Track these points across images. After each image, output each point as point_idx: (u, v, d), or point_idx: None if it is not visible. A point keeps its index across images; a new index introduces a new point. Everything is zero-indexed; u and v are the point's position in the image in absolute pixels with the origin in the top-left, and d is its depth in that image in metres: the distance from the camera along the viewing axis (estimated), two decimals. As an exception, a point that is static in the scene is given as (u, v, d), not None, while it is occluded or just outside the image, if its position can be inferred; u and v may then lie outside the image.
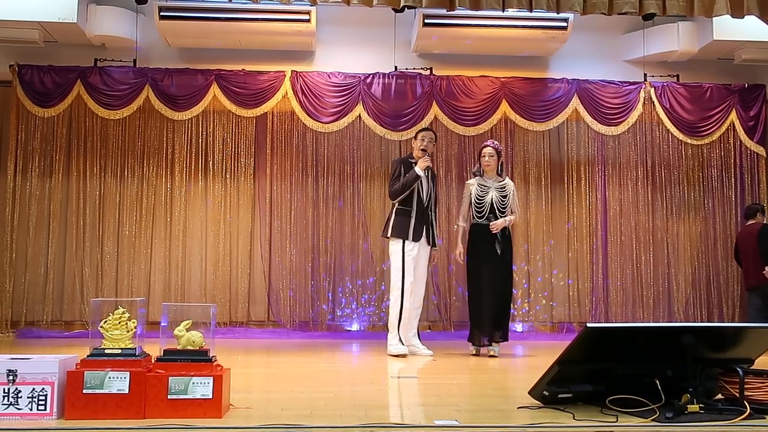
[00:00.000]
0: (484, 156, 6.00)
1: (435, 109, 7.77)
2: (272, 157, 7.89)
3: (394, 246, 5.93)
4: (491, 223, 5.86)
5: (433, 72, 7.91)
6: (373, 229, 7.75)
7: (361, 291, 7.82)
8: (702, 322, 7.76)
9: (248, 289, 7.80)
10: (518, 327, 7.83)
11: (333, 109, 7.69)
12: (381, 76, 7.80)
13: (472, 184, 6.01)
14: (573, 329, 7.74)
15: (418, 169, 5.86)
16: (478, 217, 5.91)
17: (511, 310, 6.14)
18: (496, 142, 6.21)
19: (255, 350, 6.45)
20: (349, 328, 7.77)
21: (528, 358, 6.14)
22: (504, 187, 5.99)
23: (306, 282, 7.79)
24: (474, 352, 5.86)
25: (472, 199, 5.94)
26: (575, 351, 3.10)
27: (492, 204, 5.88)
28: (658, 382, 3.09)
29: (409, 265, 5.85)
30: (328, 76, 7.78)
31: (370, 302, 7.79)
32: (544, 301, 8.01)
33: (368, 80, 7.77)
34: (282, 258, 7.80)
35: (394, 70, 7.86)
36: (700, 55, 7.87)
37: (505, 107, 7.83)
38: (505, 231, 5.94)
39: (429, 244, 6.00)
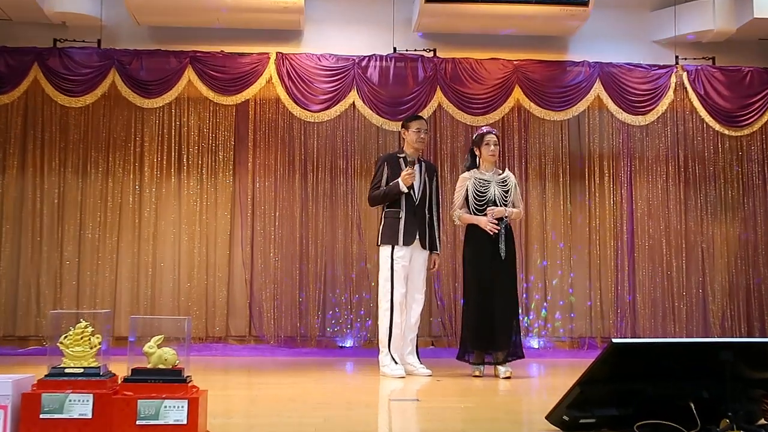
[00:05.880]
0: (488, 144, 5.90)
1: (439, 96, 7.77)
2: (255, 150, 7.88)
3: (383, 253, 5.92)
4: (489, 208, 5.77)
5: (437, 54, 7.90)
6: (369, 231, 7.74)
7: (356, 302, 7.81)
8: (742, 337, 7.77)
9: (227, 300, 7.79)
10: (533, 343, 7.82)
11: (323, 96, 7.68)
12: (378, 58, 7.80)
13: (468, 178, 5.93)
14: (595, 345, 7.75)
15: (403, 185, 5.83)
16: (478, 215, 5.86)
17: (520, 323, 6.07)
18: (494, 129, 6.20)
19: (235, 369, 6.43)
20: (342, 345, 7.76)
21: (545, 378, 6.13)
22: (506, 181, 5.95)
23: (293, 292, 7.78)
24: (477, 373, 5.75)
25: (470, 194, 5.88)
26: (599, 370, 3.10)
27: (495, 199, 5.84)
28: (692, 405, 3.09)
29: (398, 274, 5.82)
30: (318, 58, 7.77)
31: (366, 315, 7.78)
32: (562, 314, 8.00)
33: (363, 63, 7.76)
34: (266, 264, 7.79)
35: (392, 51, 7.85)
36: (738, 34, 7.88)
37: (518, 94, 7.83)
38: (509, 230, 5.86)
39: (425, 248, 5.98)
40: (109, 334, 3.23)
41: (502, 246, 5.78)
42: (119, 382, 3.08)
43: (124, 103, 7.71)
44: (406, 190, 5.84)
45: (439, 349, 7.61)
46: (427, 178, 6.05)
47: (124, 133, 7.82)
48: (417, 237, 5.91)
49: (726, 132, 8.02)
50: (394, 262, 5.83)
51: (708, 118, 7.98)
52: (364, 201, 7.76)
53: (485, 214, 5.79)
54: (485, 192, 5.86)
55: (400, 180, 5.85)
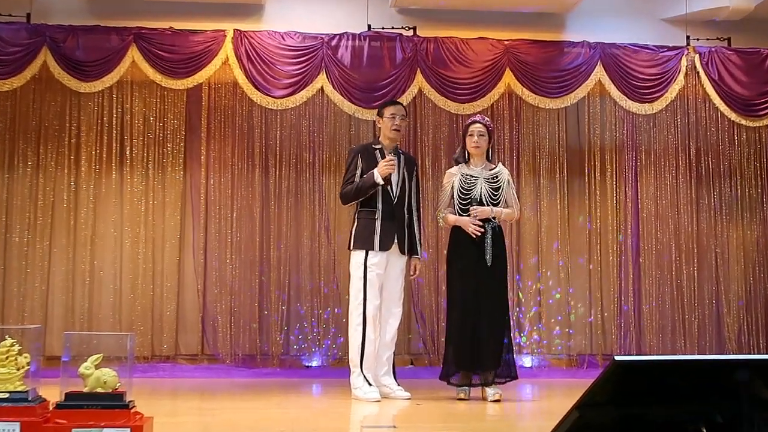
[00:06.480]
0: (471, 134, 5.96)
1: (419, 80, 7.78)
2: (209, 141, 7.85)
3: (355, 259, 5.92)
4: (473, 207, 5.81)
5: (417, 32, 7.92)
6: (339, 233, 7.73)
7: (325, 316, 7.80)
8: (760, 353, 7.86)
9: (177, 314, 7.76)
10: (526, 361, 7.86)
11: (288, 80, 7.67)
12: (350, 37, 7.80)
13: (455, 174, 5.98)
14: (596, 363, 7.80)
15: (378, 175, 5.82)
16: (463, 215, 5.88)
17: (512, 339, 6.09)
18: (486, 118, 6.22)
19: (185, 393, 6.43)
20: (308, 364, 7.75)
21: (539, 401, 6.16)
22: (496, 177, 5.97)
23: (252, 304, 7.76)
24: (462, 396, 5.78)
25: (455, 192, 5.92)
26: (600, 391, 3.11)
27: (481, 198, 5.87)
28: (704, 430, 3.12)
29: (372, 283, 5.82)
30: (282, 37, 7.76)
31: (337, 332, 7.77)
32: (559, 328, 8.05)
33: (333, 43, 7.76)
34: (221, 273, 7.77)
35: (366, 29, 7.86)
36: (757, 12, 7.97)
37: (509, 78, 7.86)
38: (497, 233, 5.89)
39: (404, 253, 5.98)
40: (40, 352, 3.21)
41: (489, 251, 5.81)
42: (51, 408, 3.05)
43: (57, 86, 7.64)
44: (382, 182, 5.83)
45: (419, 368, 7.62)
46: (406, 173, 6.05)
47: (57, 122, 7.75)
48: (395, 241, 5.91)
49: (743, 122, 8.10)
50: (368, 269, 5.82)
51: (723, 107, 8.05)
52: (333, 199, 7.82)
53: (470, 214, 5.82)
54: (470, 189, 5.89)
55: (376, 170, 5.84)
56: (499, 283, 5.90)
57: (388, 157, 5.85)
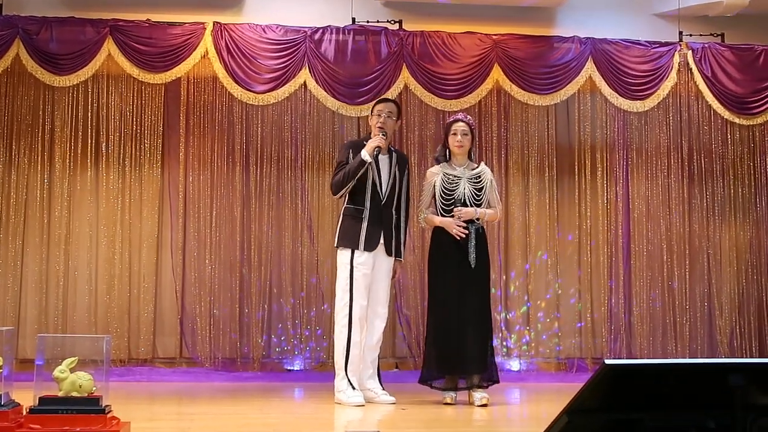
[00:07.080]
0: (454, 133, 5.97)
1: (405, 76, 7.79)
2: (187, 137, 7.83)
3: (341, 258, 5.91)
4: (456, 208, 5.82)
5: (403, 26, 7.93)
6: (323, 233, 7.74)
7: (308, 318, 7.80)
8: (753, 357, 7.89)
9: (154, 316, 7.74)
10: (514, 365, 7.88)
11: (269, 75, 7.66)
12: (334, 31, 7.80)
13: (437, 174, 6.00)
14: (585, 367, 7.84)
15: (365, 153, 5.79)
16: (446, 216, 5.90)
17: (493, 342, 6.11)
18: (468, 116, 6.24)
19: (163, 397, 6.41)
20: (290, 368, 7.75)
21: (527, 406, 6.18)
22: (479, 177, 6.00)
23: (232, 306, 7.75)
24: (449, 401, 5.79)
25: (437, 192, 5.94)
26: (589, 396, 3.13)
27: (464, 199, 5.89)
28: (696, 436, 3.14)
29: (359, 283, 5.82)
30: (263, 30, 7.75)
31: (323, 335, 7.77)
32: (548, 330, 8.07)
33: (317, 36, 7.76)
34: (200, 274, 7.75)
35: (351, 23, 7.86)
36: (751, 8, 8.00)
37: (497, 74, 7.88)
38: (480, 234, 5.90)
39: (390, 254, 5.98)
40: (12, 355, 3.20)
41: (472, 252, 5.83)
42: (24, 413, 3.04)
43: (30, 80, 7.61)
44: (369, 159, 5.78)
45: (404, 372, 7.62)
46: (397, 172, 6.02)
47: (30, 117, 7.71)
48: (381, 241, 5.90)
49: (736, 120, 8.15)
50: (354, 269, 5.81)
51: (716, 104, 8.10)
52: (316, 198, 7.84)
53: (453, 215, 5.84)
54: (453, 189, 5.91)
55: (363, 151, 5.78)
56: (482, 285, 5.93)
57: (378, 136, 5.82)
